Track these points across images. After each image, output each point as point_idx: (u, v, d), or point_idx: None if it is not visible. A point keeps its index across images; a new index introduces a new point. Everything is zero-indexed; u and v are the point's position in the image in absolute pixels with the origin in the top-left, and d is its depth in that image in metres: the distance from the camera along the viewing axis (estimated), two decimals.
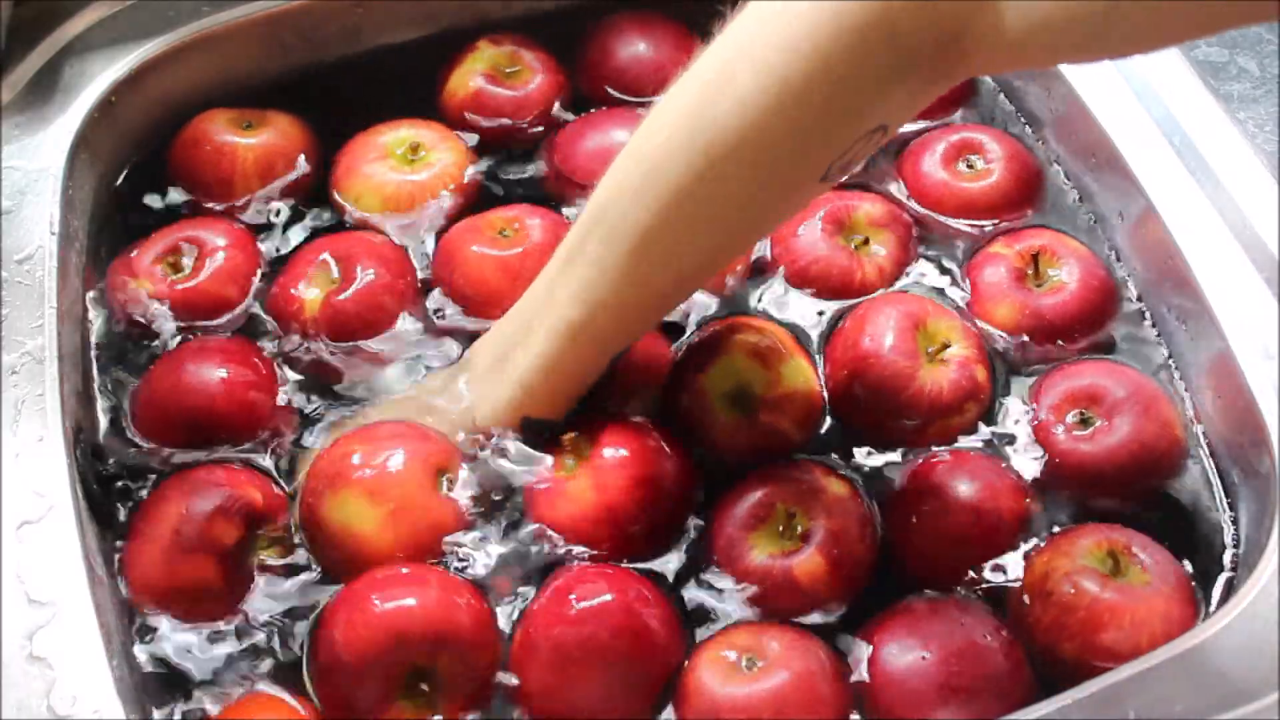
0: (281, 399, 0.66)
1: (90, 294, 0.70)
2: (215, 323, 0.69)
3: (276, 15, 0.78)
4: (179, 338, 0.68)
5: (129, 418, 0.65)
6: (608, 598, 0.57)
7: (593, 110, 0.79)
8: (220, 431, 0.64)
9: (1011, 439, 0.64)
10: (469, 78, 0.79)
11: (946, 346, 0.65)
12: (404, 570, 0.58)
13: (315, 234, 0.73)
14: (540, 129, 0.79)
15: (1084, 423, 0.63)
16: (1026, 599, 0.58)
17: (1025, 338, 0.68)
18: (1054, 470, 0.63)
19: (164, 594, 0.59)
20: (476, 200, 0.75)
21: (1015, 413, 0.65)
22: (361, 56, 0.81)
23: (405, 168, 0.74)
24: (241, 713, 0.57)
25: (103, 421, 0.65)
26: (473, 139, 0.78)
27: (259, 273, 0.71)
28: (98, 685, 0.53)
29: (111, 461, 0.64)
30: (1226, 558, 0.60)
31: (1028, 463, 0.63)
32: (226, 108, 0.77)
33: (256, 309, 0.70)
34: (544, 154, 0.78)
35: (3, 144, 0.70)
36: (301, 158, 0.76)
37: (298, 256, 0.71)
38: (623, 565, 0.60)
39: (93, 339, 0.69)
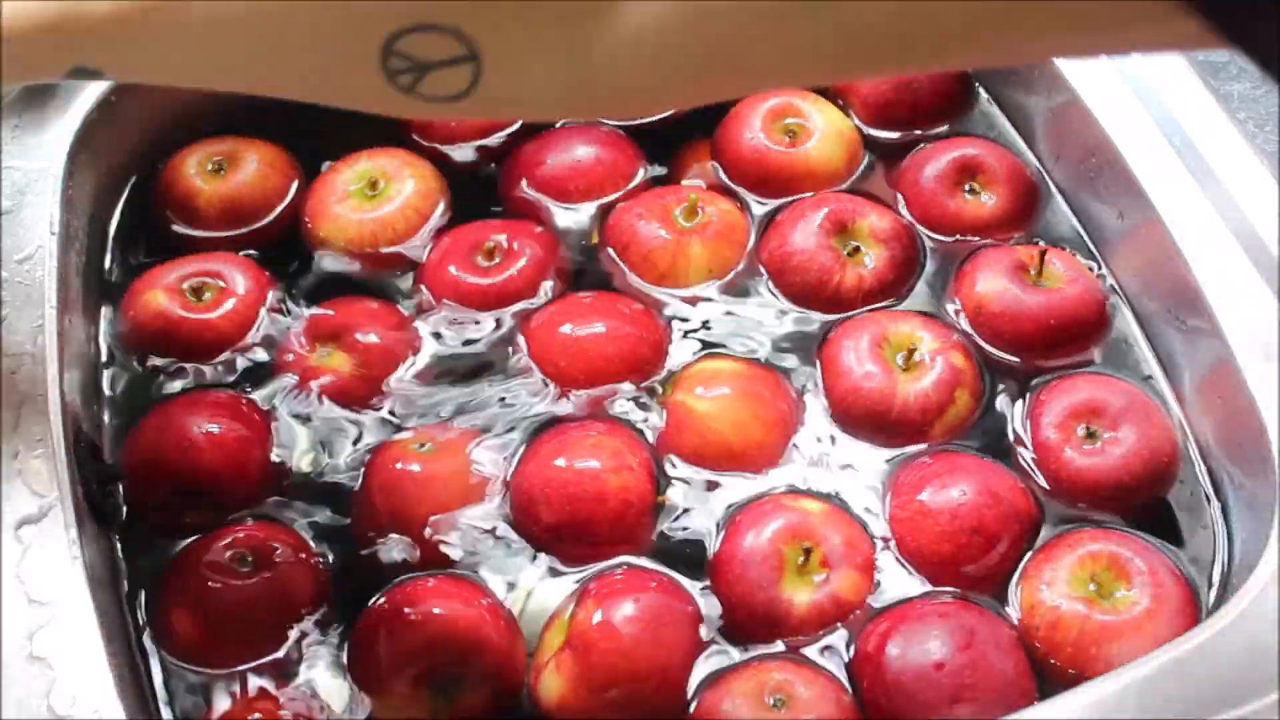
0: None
1: (95, 298, 0.70)
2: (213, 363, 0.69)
3: None
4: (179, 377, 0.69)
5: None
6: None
7: (548, 130, 0.78)
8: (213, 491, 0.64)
9: (1010, 442, 0.65)
10: None
11: (914, 350, 0.66)
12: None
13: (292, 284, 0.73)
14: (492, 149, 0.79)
15: (1091, 436, 0.63)
16: (1018, 632, 0.58)
17: (1002, 327, 0.68)
18: (1064, 487, 0.63)
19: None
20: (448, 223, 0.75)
21: (1012, 415, 0.66)
22: None
23: (366, 205, 0.74)
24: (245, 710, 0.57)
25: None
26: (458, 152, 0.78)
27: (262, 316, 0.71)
28: (98, 685, 0.53)
29: (112, 462, 0.64)
30: (1226, 558, 0.60)
31: (1031, 470, 0.64)
32: (206, 139, 0.77)
33: (253, 356, 0.70)
34: (503, 172, 0.78)
35: (3, 144, 0.70)
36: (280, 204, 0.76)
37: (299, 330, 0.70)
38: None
39: (100, 345, 0.69)
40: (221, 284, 0.71)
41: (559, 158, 0.76)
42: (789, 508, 0.62)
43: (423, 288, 0.72)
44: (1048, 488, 0.63)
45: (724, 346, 0.69)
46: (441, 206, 0.75)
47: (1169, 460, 0.63)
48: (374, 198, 0.74)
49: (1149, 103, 0.69)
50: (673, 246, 0.72)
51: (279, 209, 0.76)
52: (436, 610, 0.59)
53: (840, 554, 0.60)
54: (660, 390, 0.67)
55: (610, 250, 0.73)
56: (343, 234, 0.73)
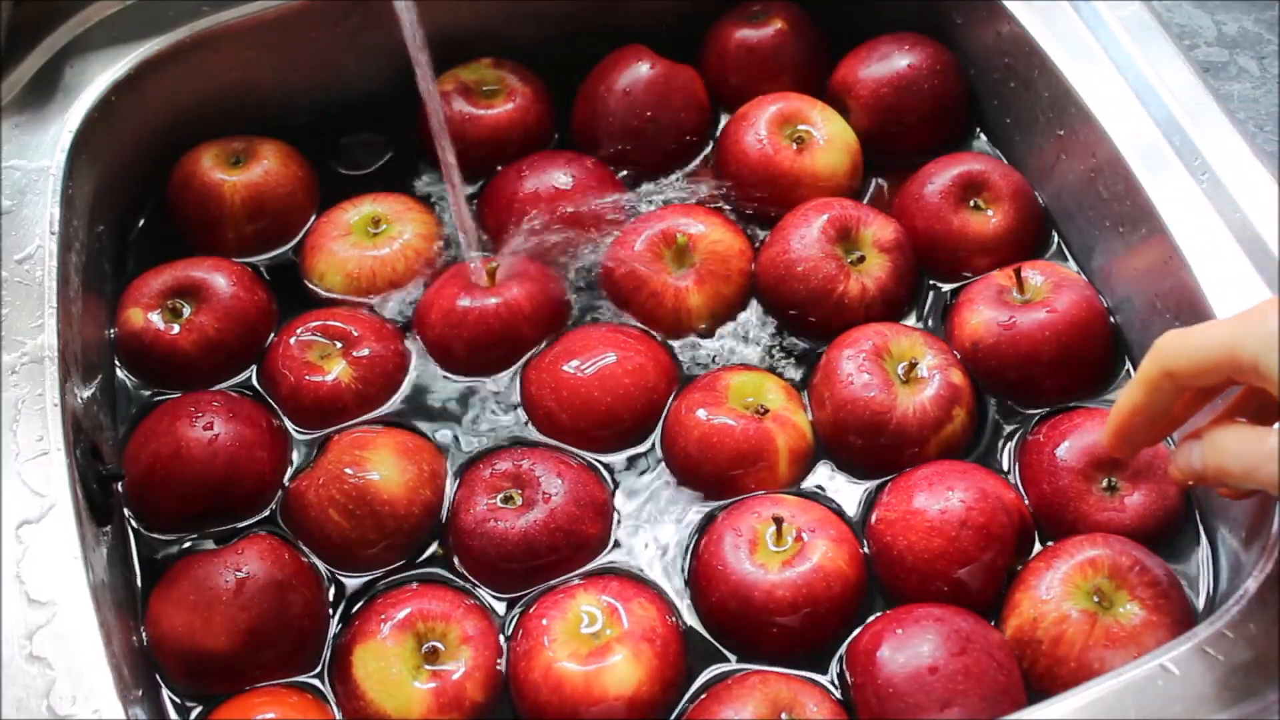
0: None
1: (95, 298, 0.71)
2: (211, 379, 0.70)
3: (277, 16, 0.78)
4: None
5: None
6: None
7: (529, 155, 0.78)
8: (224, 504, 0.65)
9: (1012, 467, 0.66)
10: (444, 84, 0.79)
11: (915, 364, 0.65)
12: None
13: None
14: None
15: (1111, 489, 0.63)
16: (1015, 644, 0.58)
17: (997, 345, 0.67)
18: (1075, 531, 0.62)
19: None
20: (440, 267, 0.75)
21: (1014, 442, 0.67)
22: (360, 58, 0.81)
23: (367, 243, 0.74)
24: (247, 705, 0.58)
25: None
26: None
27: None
28: (98, 685, 0.53)
29: (112, 462, 0.64)
30: (1225, 558, 0.60)
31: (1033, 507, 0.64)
32: (217, 140, 0.78)
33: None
34: (481, 196, 0.78)
35: (3, 144, 0.70)
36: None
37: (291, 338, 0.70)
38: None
39: (100, 345, 0.70)
40: (201, 296, 0.71)
41: (530, 185, 0.75)
42: (762, 499, 0.63)
43: (419, 321, 0.72)
44: (1057, 534, 0.63)
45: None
46: (439, 248, 0.75)
47: (1181, 510, 0.63)
48: (376, 236, 0.74)
49: (1149, 102, 0.69)
50: (671, 302, 0.71)
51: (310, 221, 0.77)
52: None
53: (813, 527, 0.60)
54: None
55: (611, 301, 0.73)
56: (341, 269, 0.73)
